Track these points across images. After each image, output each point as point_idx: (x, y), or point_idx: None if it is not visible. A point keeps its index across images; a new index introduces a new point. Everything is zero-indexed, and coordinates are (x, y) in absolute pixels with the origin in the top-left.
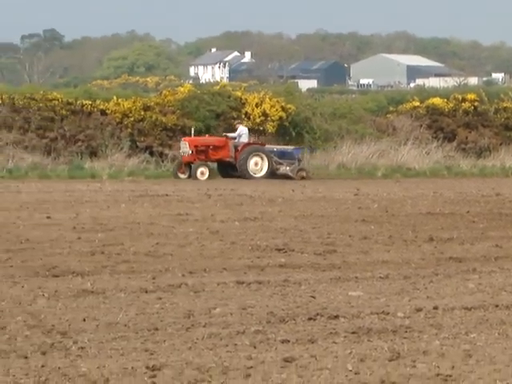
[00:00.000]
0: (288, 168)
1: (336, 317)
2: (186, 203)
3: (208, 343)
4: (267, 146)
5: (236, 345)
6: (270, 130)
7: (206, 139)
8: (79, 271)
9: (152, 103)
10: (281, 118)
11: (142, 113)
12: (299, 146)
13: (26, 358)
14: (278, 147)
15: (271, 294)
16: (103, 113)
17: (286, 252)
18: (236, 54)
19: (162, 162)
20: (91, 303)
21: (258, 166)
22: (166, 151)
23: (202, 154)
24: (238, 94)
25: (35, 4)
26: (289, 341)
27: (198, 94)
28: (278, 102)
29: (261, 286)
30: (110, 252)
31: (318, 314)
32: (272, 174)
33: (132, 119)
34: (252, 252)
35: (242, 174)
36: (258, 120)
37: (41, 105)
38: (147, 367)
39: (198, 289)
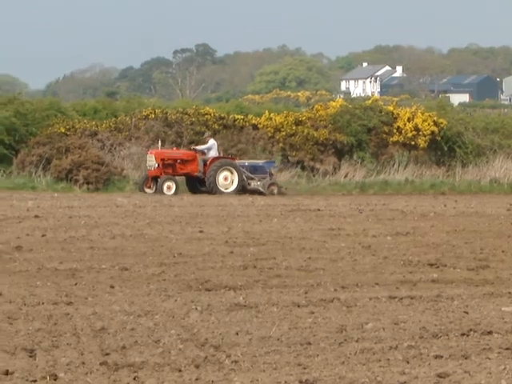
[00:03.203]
0: (259, 183)
1: (489, 332)
2: (337, 218)
3: (361, 358)
4: (238, 161)
5: (389, 360)
6: (421, 145)
7: (173, 152)
8: (232, 285)
9: (304, 118)
10: (433, 132)
11: (294, 127)
12: (269, 160)
13: (180, 371)
14: (249, 161)
15: (424, 309)
16: (255, 127)
17: (438, 267)
18: (387, 68)
19: (314, 176)
20: (244, 317)
21: (227, 180)
22: (318, 166)
23: (168, 167)
24: (390, 108)
25: (188, 19)
26: (442, 356)
27: (349, 109)
28: (429, 116)
29: (413, 301)
30: (263, 266)
31: (471, 330)
32: (243, 189)
33: (284, 133)
34: (404, 267)
35: (211, 189)
36: (409, 135)
37: (193, 119)
38: (300, 381)
39: (351, 303)
